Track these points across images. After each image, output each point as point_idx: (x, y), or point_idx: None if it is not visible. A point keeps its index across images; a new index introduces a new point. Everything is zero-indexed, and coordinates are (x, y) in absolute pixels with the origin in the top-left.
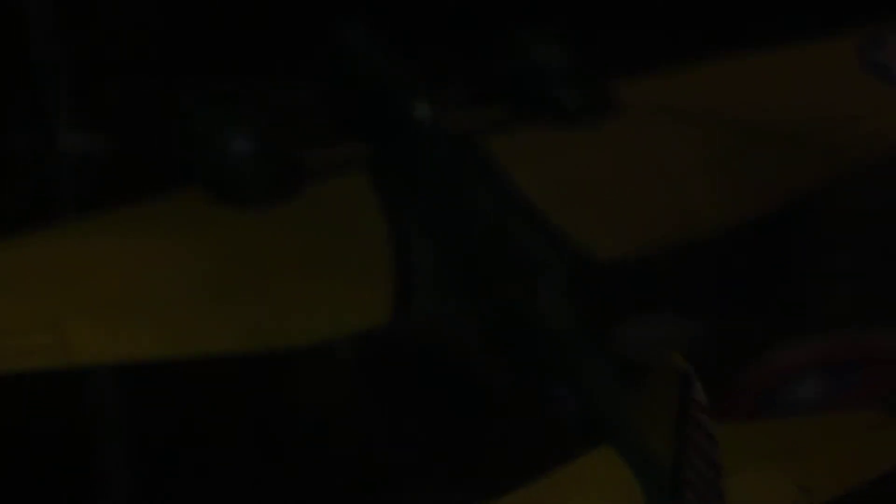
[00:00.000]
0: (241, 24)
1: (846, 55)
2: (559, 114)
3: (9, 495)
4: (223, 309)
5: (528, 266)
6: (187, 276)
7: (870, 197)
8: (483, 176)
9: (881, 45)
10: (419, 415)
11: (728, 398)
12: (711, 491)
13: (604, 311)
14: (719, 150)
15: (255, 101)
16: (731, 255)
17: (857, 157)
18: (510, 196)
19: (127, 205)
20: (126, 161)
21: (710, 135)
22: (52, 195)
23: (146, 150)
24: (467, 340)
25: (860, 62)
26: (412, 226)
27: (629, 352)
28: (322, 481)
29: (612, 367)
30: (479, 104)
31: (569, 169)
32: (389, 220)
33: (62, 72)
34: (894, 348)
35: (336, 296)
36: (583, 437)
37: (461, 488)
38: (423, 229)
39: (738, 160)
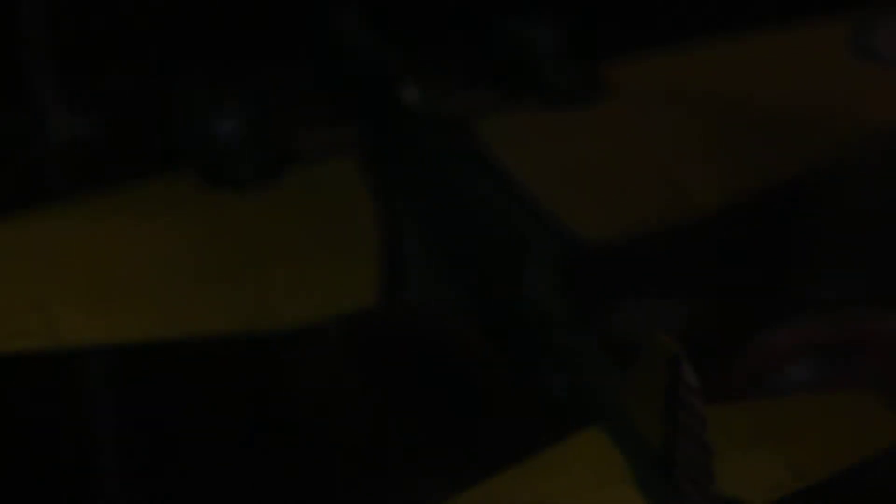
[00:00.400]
0: (232, 8)
1: (836, 39)
2: (550, 96)
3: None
4: (210, 291)
5: (516, 248)
6: (175, 258)
7: (863, 182)
8: (472, 158)
9: (871, 28)
10: (408, 397)
11: (721, 380)
12: (701, 472)
13: (594, 292)
14: (709, 133)
15: (244, 84)
16: (723, 236)
17: (846, 139)
18: (499, 178)
19: (115, 188)
20: (114, 144)
21: (700, 117)
22: (40, 178)
23: (134, 134)
24: (457, 323)
25: (850, 46)
26: (401, 208)
27: (620, 333)
28: (311, 462)
29: (602, 349)
30: (470, 87)
31: (559, 151)
32: (379, 203)
33: (51, 56)
34: (889, 333)
35: (324, 277)
36: (573, 418)
37: (452, 469)
38: (412, 212)
39: (728, 142)
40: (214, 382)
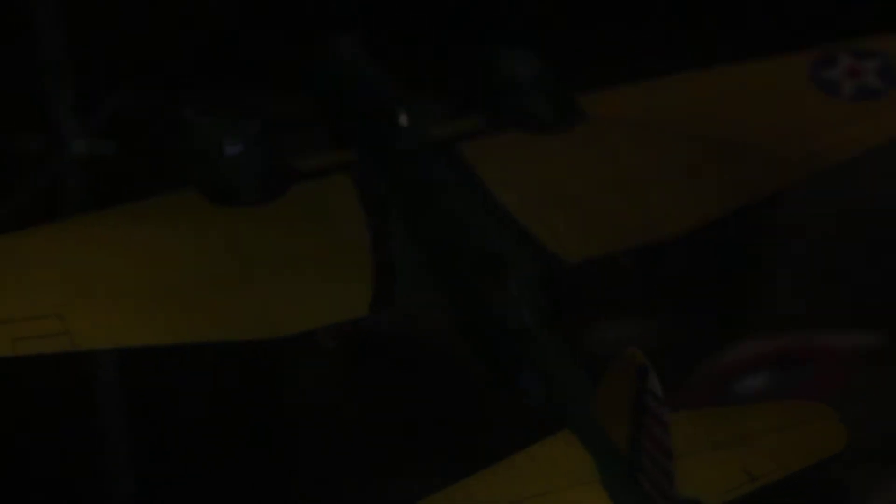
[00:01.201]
0: (237, 37)
1: (799, 73)
2: (531, 123)
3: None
4: (214, 300)
5: (498, 265)
6: (181, 269)
7: (817, 208)
8: (458, 180)
9: (832, 63)
10: (392, 401)
11: (685, 389)
12: (663, 474)
13: (570, 307)
14: (678, 158)
15: (249, 109)
16: (689, 257)
17: (806, 165)
18: (483, 198)
19: (127, 203)
20: (128, 163)
21: (670, 144)
22: (59, 193)
23: (146, 154)
24: (441, 333)
25: (811, 78)
26: (392, 225)
27: (595, 348)
28: (300, 459)
29: (575, 360)
30: (457, 114)
31: (538, 173)
32: (372, 220)
33: (70, 82)
34: (843, 348)
35: (319, 288)
36: (547, 423)
37: (432, 467)
38: (403, 229)
39: (695, 168)
40: (216, 385)
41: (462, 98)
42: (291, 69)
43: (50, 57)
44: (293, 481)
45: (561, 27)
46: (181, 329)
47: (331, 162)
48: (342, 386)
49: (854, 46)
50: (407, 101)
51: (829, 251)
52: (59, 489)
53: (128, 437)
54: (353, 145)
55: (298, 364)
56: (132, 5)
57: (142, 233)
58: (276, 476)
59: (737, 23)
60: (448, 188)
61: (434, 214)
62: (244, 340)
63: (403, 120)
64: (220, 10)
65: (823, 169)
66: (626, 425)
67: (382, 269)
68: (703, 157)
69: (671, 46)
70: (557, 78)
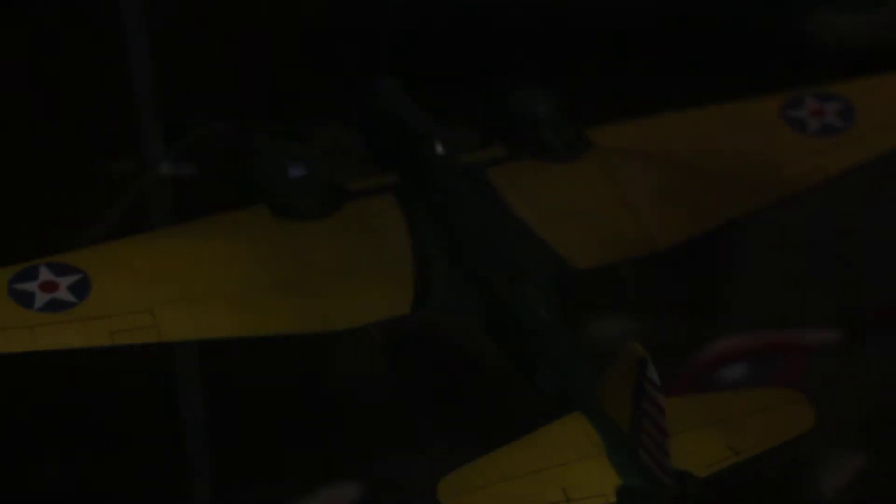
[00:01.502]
0: (300, 76)
1: (772, 111)
2: (545, 151)
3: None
4: (279, 299)
5: (518, 272)
6: (252, 271)
7: (787, 226)
8: (484, 199)
9: (799, 104)
10: (428, 385)
11: (676, 378)
12: (659, 449)
13: (579, 308)
14: (667, 183)
15: (309, 139)
16: (679, 266)
17: (777, 190)
18: (505, 215)
19: (206, 216)
20: (207, 184)
21: (661, 171)
22: (149, 207)
23: (223, 175)
24: (471, 329)
25: (781, 117)
26: (429, 237)
27: (600, 342)
28: (348, 432)
29: (583, 352)
30: (483, 144)
31: (552, 195)
32: (411, 232)
33: (159, 112)
34: (805, 343)
35: (368, 290)
36: (560, 405)
37: (463, 443)
38: (437, 240)
39: (682, 191)
40: (280, 370)
41: (487, 131)
42: (347, 106)
43: (141, 91)
44: (340, 450)
45: (572, 72)
46: (251, 323)
47: (377, 183)
48: (386, 372)
49: (818, 91)
50: (441, 133)
51: (796, 263)
52: (141, 453)
53: (203, 406)
54: (396, 170)
55: (351, 353)
56: (213, 51)
57: (218, 241)
58: (326, 441)
59: (723, 71)
60: (475, 206)
61: (464, 228)
62: (304, 333)
63: (439, 149)
64: (287, 55)
65: (793, 192)
66: (628, 407)
67: (421, 275)
68: (690, 182)
69: (663, 90)
70: (568, 114)
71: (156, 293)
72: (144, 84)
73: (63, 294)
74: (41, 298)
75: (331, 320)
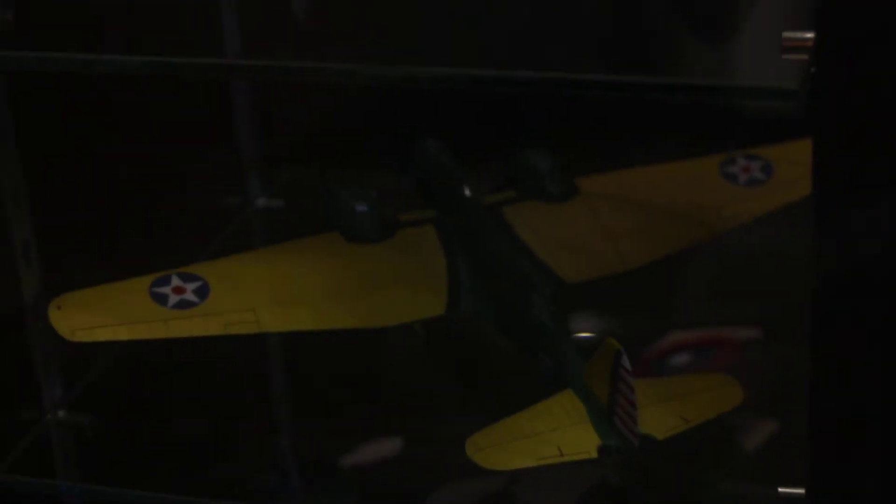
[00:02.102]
0: (364, 137)
1: (713, 167)
2: (545, 195)
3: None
4: (346, 301)
5: (526, 285)
6: (327, 281)
7: (725, 251)
8: (500, 230)
9: (733, 162)
10: (458, 370)
11: (639, 361)
12: (630, 418)
13: (571, 312)
14: (637, 218)
15: (371, 182)
16: (645, 282)
17: (717, 226)
18: (515, 242)
19: (292, 240)
20: (294, 214)
21: (631, 209)
22: (248, 232)
23: (306, 208)
24: (489, 326)
25: (720, 172)
26: (459, 257)
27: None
28: (395, 407)
29: (574, 344)
30: (500, 189)
31: (551, 227)
32: (446, 254)
33: (257, 157)
34: (735, 338)
35: (412, 296)
36: (556, 386)
37: (480, 412)
38: (465, 259)
39: (646, 225)
40: (347, 354)
41: (504, 179)
42: (399, 158)
43: (243, 141)
44: (388, 412)
45: (566, 136)
46: (325, 320)
47: (422, 217)
48: (426, 355)
49: (746, 153)
50: (469, 180)
51: (732, 278)
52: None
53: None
54: (436, 206)
55: (398, 343)
56: (300, 113)
57: (303, 258)
58: (377, 407)
59: (679, 137)
60: (494, 235)
61: (485, 251)
62: (364, 328)
63: (467, 192)
64: (359, 118)
65: (728, 228)
66: (607, 387)
67: (453, 286)
68: (653, 218)
69: (633, 151)
70: (561, 167)
71: (257, 296)
72: (248, 138)
73: (189, 296)
74: (173, 299)
75: (384, 318)
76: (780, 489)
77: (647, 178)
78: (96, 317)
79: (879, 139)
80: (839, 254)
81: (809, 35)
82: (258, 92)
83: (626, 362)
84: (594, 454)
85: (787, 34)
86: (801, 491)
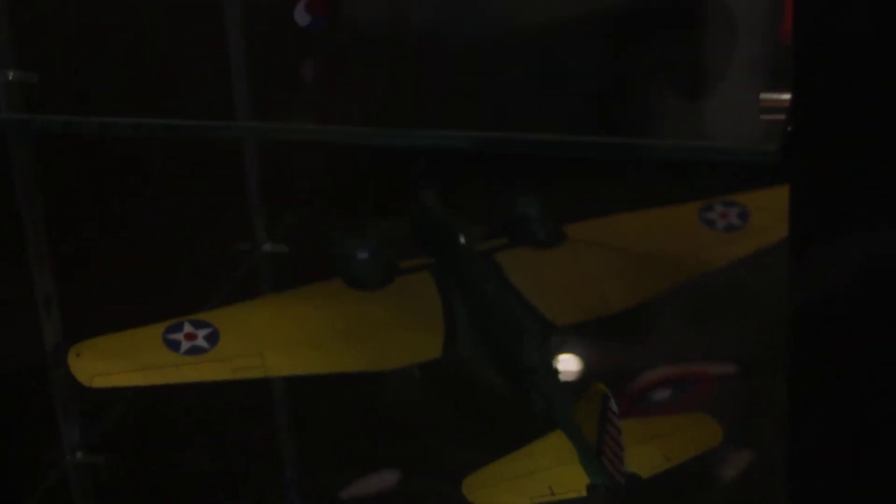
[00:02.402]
0: (364, 183)
1: (692, 214)
2: (535, 242)
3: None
4: (349, 346)
5: (518, 328)
6: (330, 326)
7: (704, 292)
8: (492, 275)
9: (711, 209)
10: (454, 409)
11: (622, 395)
12: (617, 457)
13: (560, 354)
14: (620, 263)
15: (371, 230)
16: (628, 323)
17: (696, 269)
18: (507, 287)
19: (297, 287)
20: (300, 262)
21: (616, 254)
22: (257, 279)
23: (311, 256)
24: (484, 368)
25: (699, 218)
26: (455, 302)
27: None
28: (394, 441)
29: (563, 386)
30: (492, 236)
31: (541, 272)
32: (442, 299)
33: (262, 204)
34: (712, 374)
35: (411, 339)
36: (547, 426)
37: (475, 453)
38: (461, 304)
39: (631, 268)
40: (347, 396)
41: (496, 226)
42: (397, 208)
43: (252, 192)
44: (386, 453)
45: (554, 183)
46: (328, 364)
47: (419, 264)
48: (422, 397)
49: (724, 199)
50: (464, 228)
51: (707, 317)
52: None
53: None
54: (433, 254)
55: (398, 384)
56: (305, 164)
57: (306, 304)
58: (375, 449)
59: (661, 183)
60: (488, 280)
61: (480, 296)
62: (366, 371)
63: (462, 240)
64: (358, 172)
65: (707, 270)
66: (595, 427)
67: (449, 329)
68: (635, 262)
69: (615, 198)
70: (550, 214)
71: (264, 341)
72: (255, 185)
73: (200, 342)
74: (185, 345)
75: (385, 362)
76: None
77: (630, 224)
78: (113, 363)
79: (852, 187)
80: (813, 289)
81: (786, 96)
82: (265, 141)
83: (613, 406)
84: (583, 492)
85: (765, 95)
86: None
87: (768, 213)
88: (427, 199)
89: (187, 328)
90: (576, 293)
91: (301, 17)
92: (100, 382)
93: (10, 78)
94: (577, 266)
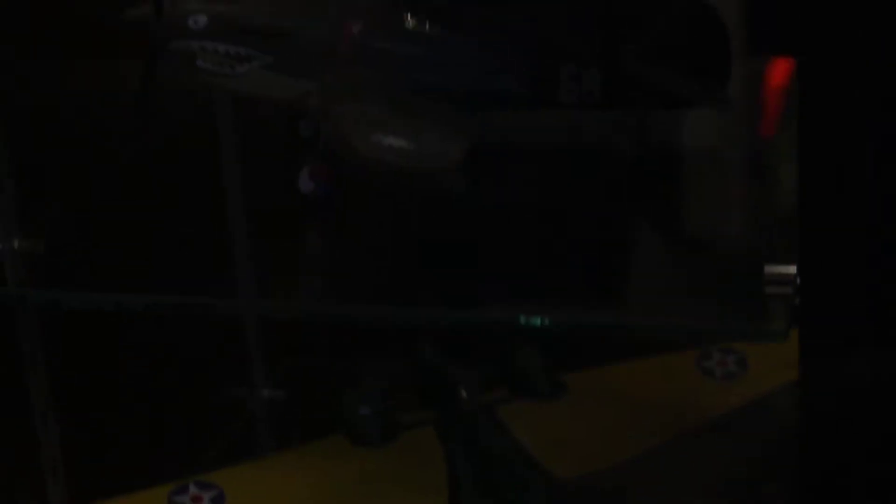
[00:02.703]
0: (363, 346)
1: (689, 362)
2: (535, 394)
3: None
4: (349, 500)
5: (520, 482)
6: (333, 486)
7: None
8: (495, 429)
9: (709, 357)
10: None
11: None
12: None
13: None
14: (619, 414)
15: (371, 387)
16: (630, 473)
17: (693, 420)
18: (510, 441)
19: (298, 445)
20: (300, 407)
21: (614, 406)
22: (255, 432)
23: (315, 404)
24: None
25: (697, 366)
26: (458, 457)
27: None
28: None
29: None
30: (491, 389)
31: (540, 423)
32: (446, 454)
33: (261, 346)
34: None
35: (415, 498)
36: None
37: None
38: (464, 459)
39: (630, 418)
40: None
41: (496, 379)
42: (400, 363)
43: (250, 335)
44: None
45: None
46: None
47: (422, 418)
48: None
49: (721, 348)
50: (464, 382)
51: (709, 467)
52: None
53: None
54: (435, 408)
55: None
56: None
57: (311, 464)
58: None
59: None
60: (489, 433)
61: (482, 448)
62: None
63: (463, 394)
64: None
65: (706, 420)
66: None
67: (453, 480)
68: (635, 412)
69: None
70: (548, 367)
71: (270, 502)
72: (254, 330)
73: None
74: None
75: None
76: None
77: (626, 374)
78: None
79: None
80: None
81: (792, 269)
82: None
83: None
84: None
85: (770, 268)
86: None
87: (767, 359)
88: (427, 355)
89: (193, 490)
90: (578, 445)
91: (305, 184)
92: None
93: (16, 247)
94: (579, 418)
